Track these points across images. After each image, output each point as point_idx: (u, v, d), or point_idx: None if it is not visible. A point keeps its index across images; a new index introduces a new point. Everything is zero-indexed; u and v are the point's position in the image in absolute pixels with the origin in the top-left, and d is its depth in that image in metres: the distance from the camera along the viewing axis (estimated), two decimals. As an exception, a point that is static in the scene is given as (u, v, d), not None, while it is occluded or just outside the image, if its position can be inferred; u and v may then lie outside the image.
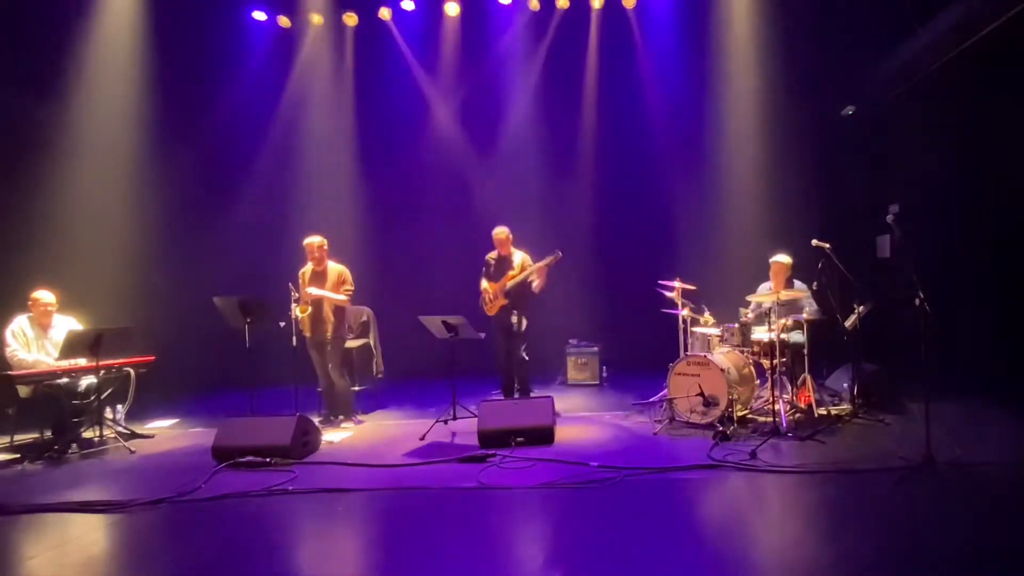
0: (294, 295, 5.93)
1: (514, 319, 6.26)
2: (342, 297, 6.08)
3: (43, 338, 5.65)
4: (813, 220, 7.06)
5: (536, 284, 6.19)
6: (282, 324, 6.01)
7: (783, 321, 5.51)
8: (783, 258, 5.93)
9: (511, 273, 6.25)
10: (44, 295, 5.71)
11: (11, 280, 6.57)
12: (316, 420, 5.68)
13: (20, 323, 5.64)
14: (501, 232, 6.39)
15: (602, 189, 8.87)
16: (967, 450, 4.29)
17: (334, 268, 6.16)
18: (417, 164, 9.00)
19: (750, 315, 5.96)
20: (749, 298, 5.89)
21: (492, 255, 6.49)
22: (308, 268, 6.16)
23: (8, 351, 5.50)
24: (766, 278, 6.06)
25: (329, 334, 6.08)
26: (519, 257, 6.33)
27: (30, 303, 5.68)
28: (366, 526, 3.73)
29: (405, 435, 5.58)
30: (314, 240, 6.07)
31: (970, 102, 6.71)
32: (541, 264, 6.11)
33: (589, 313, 8.33)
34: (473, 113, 9.00)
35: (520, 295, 6.25)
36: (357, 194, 9.04)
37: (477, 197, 8.95)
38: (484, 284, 6.43)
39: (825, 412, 5.46)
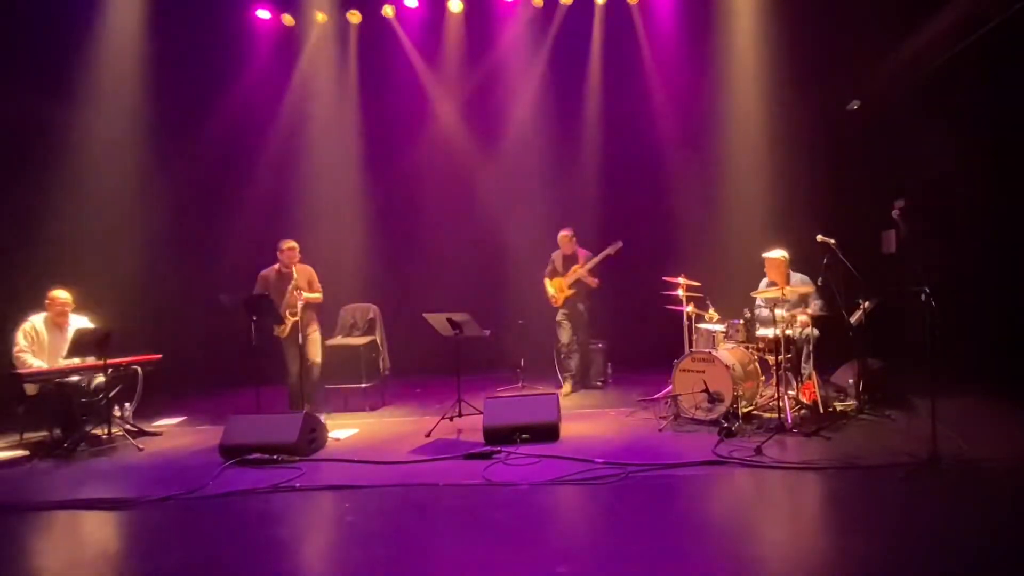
0: (299, 293, 6.06)
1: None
2: (319, 295, 6.48)
3: (59, 338, 5.66)
4: (818, 215, 7.00)
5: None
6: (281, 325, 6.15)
7: (801, 318, 5.52)
8: (777, 254, 5.89)
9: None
10: (60, 294, 5.75)
11: (20, 279, 6.63)
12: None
13: (34, 323, 5.67)
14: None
15: (606, 185, 8.84)
16: (973, 446, 4.28)
17: (303, 268, 6.39)
18: (421, 161, 8.99)
19: (761, 309, 5.94)
20: (754, 294, 5.88)
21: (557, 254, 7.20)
22: (273, 269, 6.36)
23: (16, 350, 5.54)
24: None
25: (311, 328, 6.46)
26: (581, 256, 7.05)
27: (47, 302, 5.72)
28: (372, 523, 3.75)
29: (411, 432, 5.60)
30: (295, 244, 6.37)
31: (976, 97, 6.67)
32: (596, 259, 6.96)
33: (594, 310, 8.32)
34: (477, 109, 8.98)
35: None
36: (361, 191, 9.04)
37: (481, 193, 8.95)
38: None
39: (830, 408, 5.45)
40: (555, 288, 7.05)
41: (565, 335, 7.06)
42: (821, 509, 3.72)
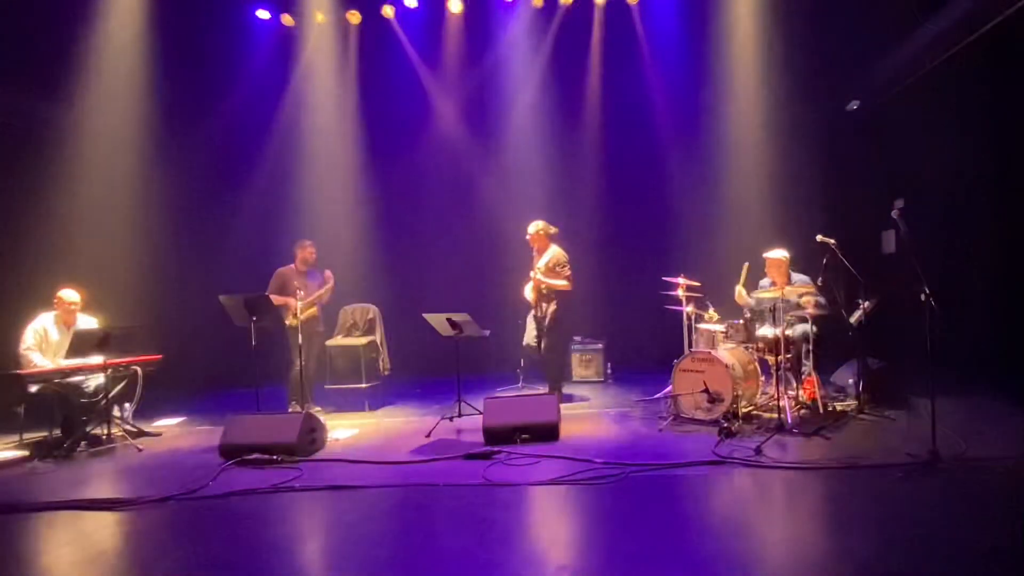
0: (300, 293, 6.13)
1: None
2: (325, 297, 6.74)
3: (66, 338, 5.63)
4: (817, 215, 7.04)
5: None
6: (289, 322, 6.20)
7: (805, 297, 5.51)
8: (778, 254, 5.89)
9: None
10: (68, 294, 5.77)
11: (21, 279, 6.64)
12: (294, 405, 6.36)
13: (44, 322, 5.68)
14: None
15: (606, 185, 8.86)
16: (973, 446, 4.28)
17: (326, 273, 6.68)
18: (421, 161, 9.00)
19: (751, 300, 5.91)
20: (755, 294, 5.87)
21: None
22: (291, 268, 6.59)
23: (23, 347, 5.55)
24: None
25: (320, 327, 6.70)
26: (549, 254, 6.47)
27: (55, 302, 5.74)
28: (372, 523, 3.75)
29: (411, 432, 5.61)
30: (313, 245, 6.67)
31: (975, 96, 6.67)
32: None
33: (594, 310, 8.32)
34: (476, 110, 8.99)
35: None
36: (361, 192, 9.05)
37: (481, 194, 8.96)
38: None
39: (830, 408, 5.45)
40: (528, 289, 6.56)
41: (526, 336, 6.55)
42: (821, 509, 3.72)
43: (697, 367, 5.43)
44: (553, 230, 6.53)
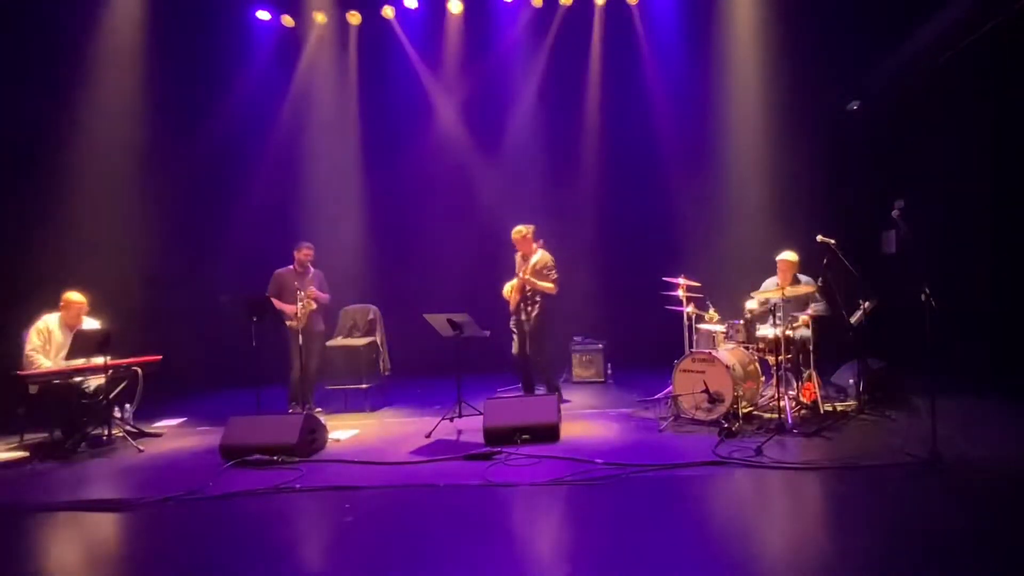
0: (300, 295, 6.14)
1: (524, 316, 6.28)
2: (327, 296, 6.74)
3: (70, 338, 5.62)
4: (818, 216, 7.02)
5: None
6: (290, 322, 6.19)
7: (801, 317, 5.52)
8: (789, 255, 5.90)
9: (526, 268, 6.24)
10: (76, 296, 5.78)
11: (20, 281, 6.64)
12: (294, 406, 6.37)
13: (48, 322, 5.68)
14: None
15: (606, 186, 8.85)
16: (973, 446, 4.29)
17: (315, 271, 6.69)
18: (421, 162, 9.00)
19: (755, 305, 5.92)
20: (754, 295, 5.87)
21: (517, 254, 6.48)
22: (289, 269, 6.57)
23: (28, 348, 5.54)
24: (771, 274, 6.05)
25: (321, 327, 6.71)
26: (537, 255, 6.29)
27: (62, 304, 5.74)
28: (373, 524, 3.75)
29: (411, 433, 5.60)
30: (311, 247, 6.64)
31: (975, 97, 6.67)
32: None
33: (594, 310, 8.33)
34: (477, 110, 8.99)
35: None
36: (361, 192, 9.06)
37: (481, 195, 8.96)
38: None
39: (831, 408, 5.45)
40: (507, 291, 6.32)
41: (514, 345, 6.38)
42: (821, 509, 3.72)
43: (697, 367, 5.43)
44: (532, 233, 6.34)
